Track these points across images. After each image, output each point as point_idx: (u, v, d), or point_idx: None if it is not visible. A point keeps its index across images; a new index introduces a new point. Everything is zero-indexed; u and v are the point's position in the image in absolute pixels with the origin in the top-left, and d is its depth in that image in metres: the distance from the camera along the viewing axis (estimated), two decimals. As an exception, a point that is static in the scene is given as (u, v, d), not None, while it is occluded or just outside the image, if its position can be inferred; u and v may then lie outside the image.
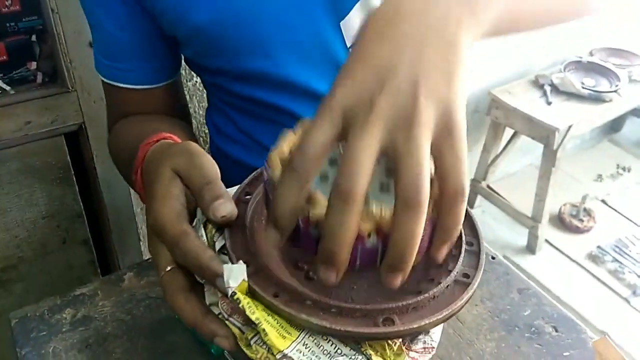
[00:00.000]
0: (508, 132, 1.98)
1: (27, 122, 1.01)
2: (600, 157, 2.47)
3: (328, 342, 0.34)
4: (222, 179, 0.40)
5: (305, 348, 0.34)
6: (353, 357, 0.34)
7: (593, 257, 1.96)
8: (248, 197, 0.42)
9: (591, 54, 2.05)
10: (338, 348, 0.34)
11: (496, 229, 2.08)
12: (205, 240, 0.39)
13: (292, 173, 0.31)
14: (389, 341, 0.35)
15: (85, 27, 0.98)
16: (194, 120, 1.31)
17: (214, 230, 0.39)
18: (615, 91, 1.84)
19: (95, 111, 1.04)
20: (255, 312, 0.34)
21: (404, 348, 0.36)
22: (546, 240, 2.01)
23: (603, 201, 2.21)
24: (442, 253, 0.34)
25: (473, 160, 2.09)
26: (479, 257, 0.40)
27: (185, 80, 1.24)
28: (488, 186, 2.06)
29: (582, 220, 2.06)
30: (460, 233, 0.41)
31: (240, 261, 0.37)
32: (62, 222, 1.13)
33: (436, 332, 0.38)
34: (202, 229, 0.40)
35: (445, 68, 0.31)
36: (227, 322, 0.36)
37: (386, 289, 0.36)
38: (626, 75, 1.90)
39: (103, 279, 0.54)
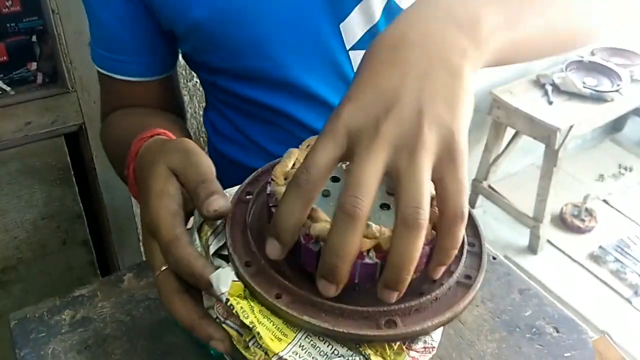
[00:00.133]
0: (509, 132, 1.98)
1: (27, 122, 1.01)
2: (602, 157, 2.46)
3: (325, 343, 0.34)
4: (218, 179, 0.40)
5: (302, 350, 0.33)
6: (350, 357, 0.34)
7: (595, 257, 1.95)
8: (249, 197, 0.42)
9: (593, 53, 2.04)
10: (335, 349, 0.34)
11: (497, 229, 2.08)
12: (199, 244, 0.39)
13: (296, 189, 0.32)
14: None
15: (85, 27, 0.98)
16: (194, 121, 1.31)
17: (209, 233, 0.39)
18: (617, 91, 1.84)
19: (96, 112, 1.04)
20: (249, 316, 0.34)
21: (404, 347, 0.35)
22: (548, 241, 2.01)
23: (605, 201, 2.21)
24: (439, 273, 0.35)
25: (474, 160, 2.09)
26: (480, 258, 0.40)
27: (185, 81, 1.24)
28: (489, 186, 2.06)
29: (583, 220, 2.06)
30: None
31: (224, 264, 0.37)
32: (62, 223, 1.13)
33: (437, 332, 0.38)
34: (196, 233, 0.40)
35: (449, 96, 0.32)
36: (224, 324, 0.36)
37: None
38: (628, 75, 1.89)
39: (102, 280, 0.54)
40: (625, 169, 2.39)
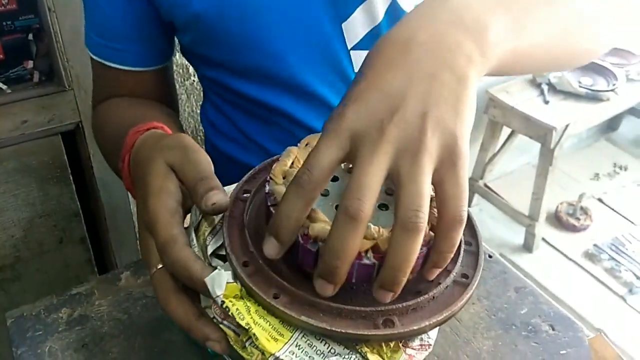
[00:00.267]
0: (505, 131, 1.98)
1: (24, 121, 1.00)
2: (597, 155, 2.47)
3: (321, 341, 0.34)
4: (216, 176, 0.40)
5: (298, 349, 0.34)
6: (347, 356, 0.34)
7: (590, 256, 1.96)
8: (246, 195, 0.42)
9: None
10: (332, 347, 0.34)
11: (493, 228, 2.08)
12: (196, 243, 0.39)
13: (297, 189, 0.32)
14: None
15: (82, 26, 0.98)
16: (191, 120, 1.31)
17: (206, 233, 0.39)
18: (612, 90, 1.84)
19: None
20: (245, 318, 0.34)
21: (400, 345, 0.36)
22: (543, 239, 2.01)
23: (600, 200, 2.22)
24: (433, 275, 0.35)
25: (470, 159, 2.09)
26: (477, 258, 0.40)
27: (182, 79, 1.24)
28: (485, 185, 2.07)
29: (578, 219, 2.07)
30: None
31: (222, 265, 0.37)
32: (59, 222, 1.13)
33: (433, 330, 0.38)
34: (193, 233, 0.39)
35: (453, 101, 0.32)
36: (221, 325, 0.36)
37: None
38: (623, 75, 1.90)
39: (99, 278, 0.53)
40: (620, 168, 2.40)
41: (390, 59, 0.34)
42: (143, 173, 0.41)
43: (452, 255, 0.34)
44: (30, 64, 0.99)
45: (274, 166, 0.40)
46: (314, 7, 0.58)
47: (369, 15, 0.59)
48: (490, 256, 0.55)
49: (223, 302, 0.34)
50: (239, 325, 0.35)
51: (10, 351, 0.46)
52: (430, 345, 0.37)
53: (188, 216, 0.41)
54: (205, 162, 0.40)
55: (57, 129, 1.04)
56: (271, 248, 0.34)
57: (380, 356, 0.35)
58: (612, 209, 2.17)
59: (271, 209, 0.37)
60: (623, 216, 2.14)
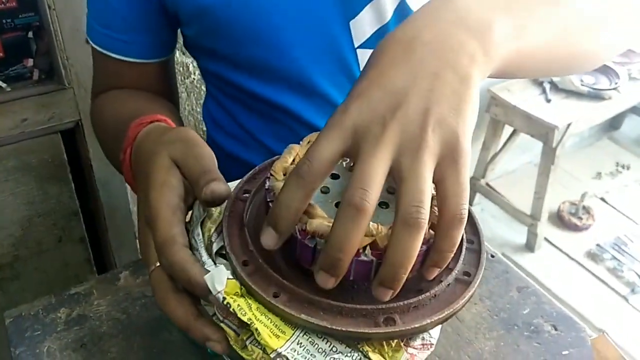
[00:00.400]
0: (507, 130, 1.98)
1: (24, 119, 1.00)
2: (600, 154, 2.47)
3: (323, 339, 0.34)
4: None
5: (300, 347, 0.33)
6: (349, 354, 0.34)
7: (592, 255, 1.96)
8: (246, 195, 0.42)
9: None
10: (333, 346, 0.34)
11: (495, 227, 2.08)
12: (202, 238, 0.39)
13: (297, 180, 0.32)
14: None
15: (82, 24, 0.98)
16: (191, 118, 1.31)
17: (211, 230, 0.39)
18: (614, 89, 1.84)
19: (92, 108, 1.04)
20: (247, 313, 0.34)
21: (402, 344, 0.35)
22: (545, 238, 2.01)
23: (602, 199, 2.21)
24: (433, 274, 0.35)
25: (472, 157, 2.08)
26: (479, 256, 0.40)
27: (182, 78, 1.23)
28: (487, 184, 2.06)
29: (581, 218, 2.06)
30: None
31: (214, 265, 0.37)
32: (58, 220, 1.13)
33: (435, 329, 0.38)
34: (199, 228, 0.39)
35: (456, 100, 0.33)
36: (222, 324, 0.35)
37: None
38: (626, 73, 1.89)
39: (98, 277, 0.53)
40: (623, 167, 2.39)
41: (394, 58, 0.34)
42: (146, 166, 0.41)
43: (452, 255, 0.34)
44: (30, 62, 0.99)
45: (275, 162, 0.39)
46: (323, 3, 0.58)
47: (377, 14, 0.59)
48: (492, 256, 0.55)
49: (224, 298, 0.34)
50: (239, 324, 0.35)
51: (8, 351, 0.46)
52: (432, 344, 0.37)
53: (189, 213, 0.41)
54: (209, 156, 0.39)
55: (56, 127, 1.04)
56: (269, 238, 0.34)
57: (382, 355, 0.35)
58: (615, 208, 2.17)
59: (270, 205, 0.37)
60: (625, 215, 2.13)
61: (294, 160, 0.40)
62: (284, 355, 0.33)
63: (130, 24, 0.61)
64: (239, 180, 0.43)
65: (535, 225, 1.94)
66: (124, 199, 1.20)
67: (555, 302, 0.52)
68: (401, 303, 0.35)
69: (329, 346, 0.34)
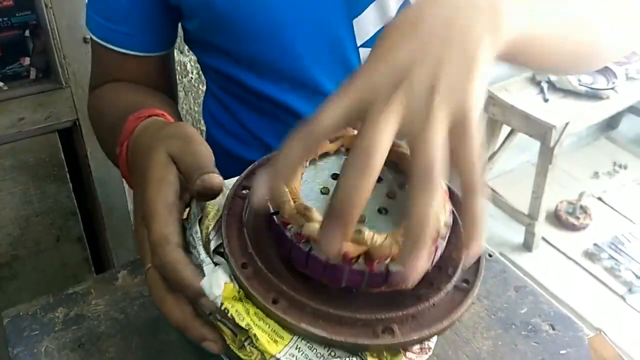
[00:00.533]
0: (505, 130, 1.98)
1: (21, 118, 1.00)
2: (597, 154, 2.47)
3: (322, 345, 0.34)
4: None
5: (298, 352, 0.33)
6: (347, 358, 0.34)
7: (589, 255, 1.96)
8: (245, 191, 0.41)
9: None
10: (332, 351, 0.34)
11: (493, 226, 2.08)
12: (200, 236, 0.38)
13: (299, 134, 0.32)
14: None
15: (79, 22, 0.97)
16: (189, 117, 1.31)
17: (210, 228, 0.39)
18: (612, 88, 1.84)
19: (90, 108, 1.04)
20: (245, 319, 0.33)
21: (400, 349, 0.35)
22: (543, 238, 2.01)
23: (599, 198, 2.21)
24: (467, 257, 0.34)
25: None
26: (479, 262, 0.39)
27: (180, 77, 1.23)
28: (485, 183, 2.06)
29: (578, 218, 2.07)
30: (460, 234, 0.40)
31: (212, 262, 0.36)
32: (56, 220, 1.12)
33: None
34: (197, 225, 0.39)
35: (463, 73, 0.33)
36: (219, 323, 0.35)
37: (386, 294, 0.36)
38: (623, 73, 1.90)
39: (96, 277, 0.53)
40: (620, 166, 2.40)
41: (401, 35, 0.34)
42: (143, 162, 0.40)
43: (479, 231, 0.32)
44: (26, 60, 0.99)
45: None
46: (327, 1, 0.57)
47: (381, 13, 0.59)
48: (490, 255, 0.55)
49: (222, 303, 0.34)
50: (236, 326, 0.34)
51: (6, 351, 0.46)
52: (431, 348, 0.37)
53: (188, 209, 0.41)
54: (206, 153, 0.39)
55: (54, 126, 1.04)
56: (261, 186, 0.33)
57: (380, 360, 0.34)
58: (612, 208, 2.17)
59: (272, 207, 0.36)
60: (623, 215, 2.14)
61: None
62: None
63: (131, 16, 0.60)
64: (237, 177, 0.43)
65: (532, 224, 1.94)
66: (122, 199, 1.19)
67: (553, 302, 0.52)
68: (400, 313, 0.34)
69: (328, 351, 0.34)
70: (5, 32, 0.94)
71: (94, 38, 0.63)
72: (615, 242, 1.98)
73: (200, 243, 0.38)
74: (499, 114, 1.88)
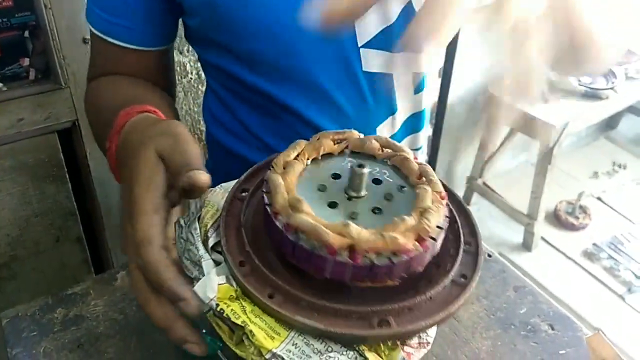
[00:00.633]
0: (504, 129, 1.98)
1: (20, 119, 1.00)
2: (596, 154, 2.47)
3: (318, 340, 0.34)
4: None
5: (295, 347, 0.33)
6: (344, 353, 0.34)
7: (588, 255, 1.96)
8: (244, 194, 0.42)
9: (587, 51, 2.05)
10: (329, 346, 0.34)
11: (492, 226, 2.08)
12: (199, 233, 0.39)
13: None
14: None
15: (78, 23, 0.97)
16: (189, 118, 1.31)
17: (208, 225, 0.39)
18: (611, 88, 1.84)
19: (89, 108, 1.04)
20: (241, 316, 0.34)
21: (398, 343, 0.35)
22: (542, 238, 2.01)
23: (599, 198, 2.22)
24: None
25: (469, 157, 2.09)
26: (477, 258, 0.39)
27: (180, 77, 1.23)
28: (484, 183, 2.06)
29: (577, 218, 2.07)
30: (459, 232, 0.40)
31: (211, 258, 0.37)
32: (55, 220, 1.12)
33: (432, 328, 0.38)
34: (197, 222, 0.39)
35: None
36: (217, 319, 0.36)
37: (382, 289, 0.36)
38: (623, 73, 1.90)
39: (95, 278, 0.53)
40: (619, 166, 2.40)
41: None
42: (132, 159, 0.40)
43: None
44: (26, 61, 0.99)
45: (278, 155, 0.40)
46: None
47: (382, 14, 0.59)
48: (489, 255, 0.55)
49: (217, 304, 0.34)
50: (233, 324, 0.35)
51: (5, 352, 0.46)
52: (429, 343, 0.37)
53: (176, 209, 0.41)
54: (195, 152, 0.39)
55: (53, 127, 1.04)
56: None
57: (378, 354, 0.35)
58: (611, 208, 2.17)
59: (265, 197, 0.37)
60: (622, 215, 2.14)
61: (298, 156, 0.40)
62: (279, 355, 0.33)
63: (132, 9, 0.60)
64: (236, 180, 0.43)
65: (532, 224, 1.94)
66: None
67: (553, 302, 0.52)
68: (396, 305, 0.35)
69: (324, 346, 0.34)
70: (4, 33, 0.94)
71: (94, 31, 0.63)
72: (614, 242, 1.98)
73: (199, 239, 0.38)
74: (498, 114, 1.88)
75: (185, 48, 1.20)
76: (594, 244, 1.98)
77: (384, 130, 0.67)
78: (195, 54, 1.17)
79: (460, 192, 2.03)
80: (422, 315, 0.35)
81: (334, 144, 0.42)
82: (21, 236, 1.10)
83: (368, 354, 0.34)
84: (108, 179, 1.13)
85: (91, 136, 0.67)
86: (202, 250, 0.38)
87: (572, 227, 2.06)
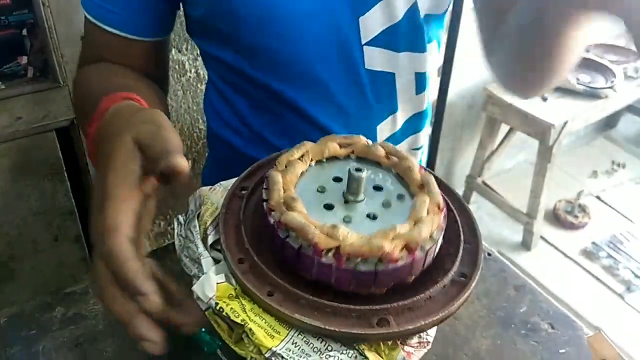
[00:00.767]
0: (504, 128, 1.98)
1: (18, 117, 1.00)
2: (595, 153, 2.47)
3: (318, 339, 0.34)
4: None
5: (295, 346, 0.33)
6: (344, 352, 0.34)
7: (588, 253, 1.96)
8: (243, 191, 0.42)
9: (587, 50, 2.05)
10: (328, 345, 0.34)
11: (491, 225, 2.08)
12: (199, 231, 0.39)
13: None
14: None
15: (76, 21, 0.97)
16: (187, 116, 1.30)
17: (207, 223, 0.39)
18: (610, 87, 1.84)
19: (88, 107, 1.03)
20: (240, 315, 0.34)
21: (398, 342, 0.35)
22: (541, 237, 2.01)
23: (598, 197, 2.22)
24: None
25: (469, 156, 2.09)
26: (477, 257, 0.39)
27: (179, 75, 1.23)
28: (483, 182, 2.06)
29: (576, 217, 2.07)
30: (459, 231, 0.40)
31: (210, 255, 0.37)
32: (54, 219, 1.12)
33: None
34: (196, 220, 0.39)
35: None
36: (216, 317, 0.35)
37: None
38: (622, 72, 1.90)
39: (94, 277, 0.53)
40: (619, 165, 2.40)
41: None
42: (109, 145, 0.40)
43: None
44: (24, 59, 0.98)
45: (282, 153, 0.40)
46: None
47: (387, 13, 0.59)
48: (489, 254, 0.55)
49: (217, 303, 0.34)
50: (233, 322, 0.34)
51: (3, 351, 0.46)
52: (429, 342, 0.37)
53: (151, 204, 0.40)
54: (176, 140, 0.38)
55: (51, 125, 1.03)
56: None
57: (378, 353, 0.35)
58: (611, 207, 2.17)
59: (263, 193, 0.37)
60: (621, 214, 2.14)
61: (302, 157, 0.41)
62: (279, 354, 0.33)
63: None
64: (236, 178, 0.43)
65: (531, 223, 1.94)
66: (120, 198, 1.19)
67: (552, 301, 0.52)
68: (395, 304, 0.35)
69: (324, 345, 0.34)
70: (2, 31, 0.94)
71: (88, 17, 0.62)
72: (613, 241, 1.99)
73: (199, 237, 0.38)
74: (498, 112, 1.88)
75: (184, 46, 1.19)
76: (593, 243, 1.98)
77: (385, 129, 0.67)
78: (194, 53, 1.17)
79: (459, 191, 2.03)
80: (422, 315, 0.35)
81: (340, 148, 0.43)
82: (20, 235, 1.10)
83: (368, 353, 0.34)
84: (107, 177, 1.12)
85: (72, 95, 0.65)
86: (201, 248, 0.38)
87: (571, 226, 2.06)
